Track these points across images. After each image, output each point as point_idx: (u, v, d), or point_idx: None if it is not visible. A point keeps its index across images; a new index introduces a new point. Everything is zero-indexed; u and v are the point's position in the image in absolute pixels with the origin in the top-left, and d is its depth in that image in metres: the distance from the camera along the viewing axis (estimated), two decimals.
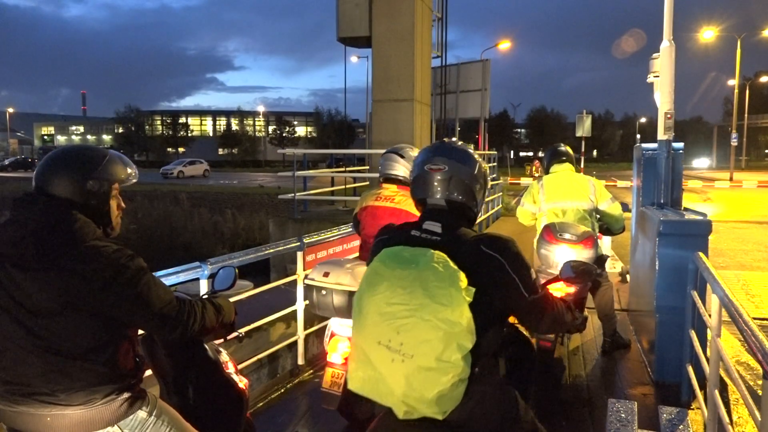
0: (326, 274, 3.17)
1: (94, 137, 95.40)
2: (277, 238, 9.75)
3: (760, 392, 2.07)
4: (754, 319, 2.21)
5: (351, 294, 3.09)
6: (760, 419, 2.02)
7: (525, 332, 2.20)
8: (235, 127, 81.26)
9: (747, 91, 52.78)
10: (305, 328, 4.39)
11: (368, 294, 1.66)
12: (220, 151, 77.07)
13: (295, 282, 4.30)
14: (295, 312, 4.27)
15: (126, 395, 1.72)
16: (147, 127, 77.84)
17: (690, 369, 3.59)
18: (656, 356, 4.05)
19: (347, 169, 15.07)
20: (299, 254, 4.35)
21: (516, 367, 2.10)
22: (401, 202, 3.43)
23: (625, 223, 4.56)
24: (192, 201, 21.59)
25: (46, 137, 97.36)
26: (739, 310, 2.31)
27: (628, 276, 6.47)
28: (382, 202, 3.51)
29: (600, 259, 2.87)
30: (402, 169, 3.57)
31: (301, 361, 4.40)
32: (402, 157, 3.59)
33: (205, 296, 2.11)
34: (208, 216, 18.81)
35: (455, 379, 1.57)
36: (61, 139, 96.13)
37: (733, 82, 44.55)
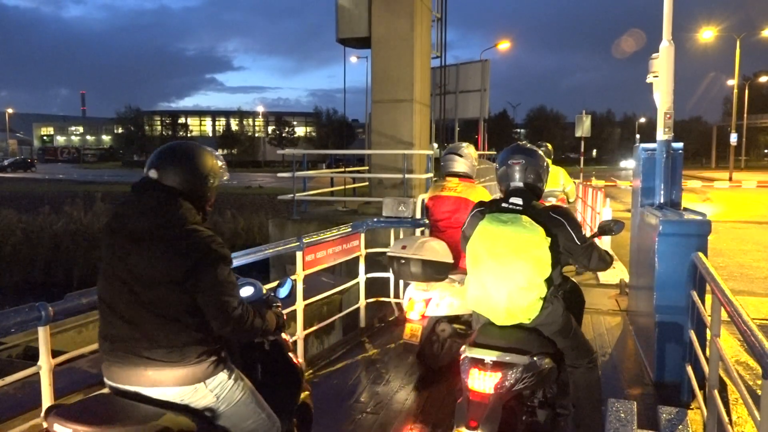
0: (404, 247, 4.03)
1: (93, 137, 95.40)
2: (277, 239, 9.74)
3: (759, 392, 2.07)
4: (754, 319, 2.21)
5: (424, 262, 3.97)
6: (759, 419, 2.02)
7: (575, 281, 3.13)
8: (234, 127, 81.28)
9: (746, 91, 52.79)
10: (305, 328, 4.39)
11: (481, 243, 2.62)
12: (220, 152, 76.64)
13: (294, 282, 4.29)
14: (294, 312, 4.27)
15: (213, 358, 2.01)
16: (147, 127, 77.79)
17: (689, 369, 3.59)
18: (656, 356, 4.05)
19: (347, 169, 15.07)
20: (299, 254, 4.36)
21: (569, 298, 2.90)
22: (462, 192, 4.25)
23: (624, 222, 4.78)
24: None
25: (45, 138, 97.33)
26: (738, 310, 2.31)
27: (627, 289, 6.49)
28: (447, 192, 4.32)
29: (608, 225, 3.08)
30: (461, 165, 4.35)
31: (300, 361, 4.40)
32: (461, 156, 4.36)
33: (266, 297, 2.51)
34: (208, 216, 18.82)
35: (538, 296, 2.57)
36: (60, 139, 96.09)
37: (733, 82, 44.57)
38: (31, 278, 15.20)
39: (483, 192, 4.31)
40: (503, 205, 2.72)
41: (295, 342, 4.39)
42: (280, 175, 12.79)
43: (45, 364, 2.37)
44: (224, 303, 1.95)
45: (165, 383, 1.94)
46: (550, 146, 6.42)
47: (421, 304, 4.05)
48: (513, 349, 2.55)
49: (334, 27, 12.40)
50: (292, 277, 2.95)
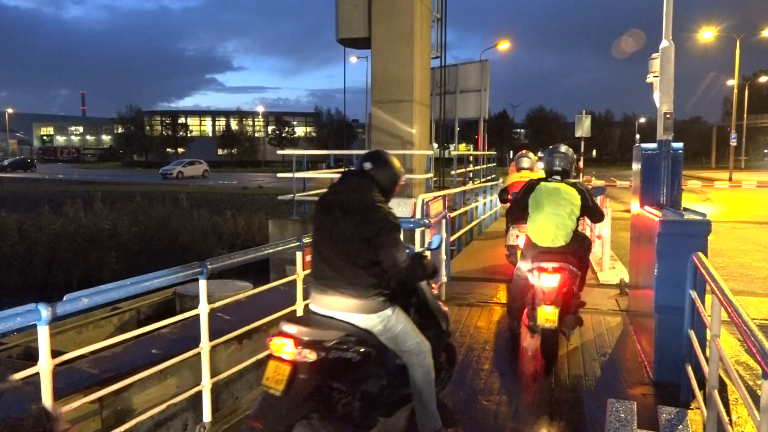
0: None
1: (93, 137, 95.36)
2: (277, 239, 9.74)
3: (759, 392, 2.07)
4: (754, 319, 2.21)
5: None
6: (759, 419, 2.02)
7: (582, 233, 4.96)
8: (234, 127, 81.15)
9: (746, 91, 52.78)
10: None
11: (542, 196, 4.59)
12: (220, 152, 76.95)
13: (294, 282, 4.30)
14: (294, 312, 4.27)
15: (383, 298, 2.90)
16: (146, 127, 77.72)
17: (689, 369, 3.59)
18: (655, 356, 4.06)
19: (347, 169, 15.03)
20: (299, 254, 4.36)
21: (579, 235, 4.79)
22: (526, 176, 6.67)
23: (604, 188, 7.50)
24: (191, 201, 21.57)
25: (45, 138, 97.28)
26: (738, 310, 2.31)
27: (627, 289, 6.49)
28: (521, 178, 6.74)
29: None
30: (528, 162, 7.38)
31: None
32: (528, 158, 7.43)
33: (422, 251, 3.54)
34: (208, 216, 18.79)
35: (572, 228, 4.51)
36: (60, 139, 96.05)
37: (733, 82, 44.58)
38: (30, 278, 15.19)
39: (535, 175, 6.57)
40: (549, 179, 4.72)
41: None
42: (280, 175, 12.77)
43: (45, 364, 2.37)
44: (396, 257, 2.80)
45: (350, 310, 2.86)
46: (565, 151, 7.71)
47: (523, 238, 5.43)
48: (561, 258, 4.40)
49: (334, 27, 12.39)
50: (439, 234, 4.00)
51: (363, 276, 2.82)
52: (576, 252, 4.55)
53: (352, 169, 3.06)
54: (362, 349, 2.83)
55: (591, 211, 4.66)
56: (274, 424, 2.56)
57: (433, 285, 3.63)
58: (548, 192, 4.58)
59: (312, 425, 2.70)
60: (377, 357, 2.91)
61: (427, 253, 3.45)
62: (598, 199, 5.75)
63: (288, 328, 2.71)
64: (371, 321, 2.88)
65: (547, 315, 4.22)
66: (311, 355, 2.65)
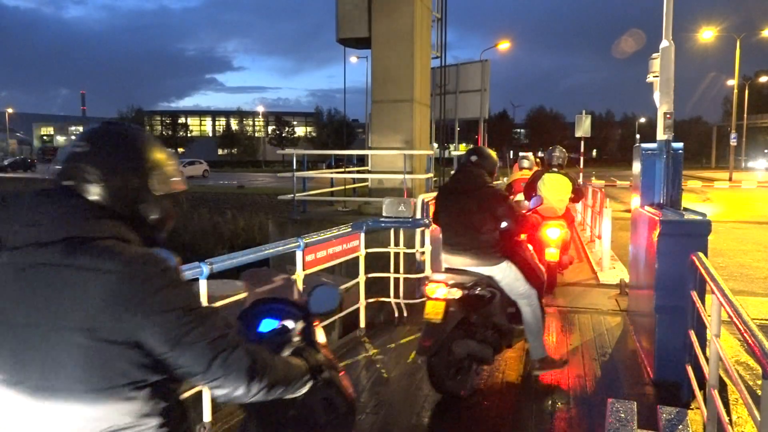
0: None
1: None
2: (277, 239, 9.73)
3: (759, 392, 2.07)
4: (754, 319, 2.21)
5: None
6: (759, 419, 2.02)
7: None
8: (234, 127, 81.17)
9: (746, 91, 52.79)
10: None
11: (549, 181, 6.67)
12: (220, 152, 77.01)
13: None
14: None
15: (499, 254, 3.93)
16: (147, 127, 77.67)
17: (689, 369, 3.59)
18: (656, 356, 4.05)
19: (347, 169, 15.05)
20: (299, 254, 4.36)
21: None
22: (528, 176, 7.27)
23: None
24: (191, 201, 21.57)
25: (45, 138, 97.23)
26: (738, 310, 2.31)
27: (627, 289, 6.49)
28: (522, 176, 7.63)
29: None
30: (527, 163, 8.10)
31: None
32: (528, 159, 8.20)
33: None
34: (208, 216, 18.80)
35: (565, 204, 6.77)
36: (60, 139, 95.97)
37: (733, 82, 44.58)
38: None
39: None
40: (550, 170, 6.71)
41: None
42: (280, 175, 12.80)
43: None
44: (515, 210, 3.98)
45: (476, 265, 3.91)
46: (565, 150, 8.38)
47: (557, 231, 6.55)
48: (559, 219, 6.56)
49: (334, 27, 12.39)
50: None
51: (483, 238, 3.88)
52: (566, 216, 6.78)
53: (467, 161, 4.04)
54: (490, 289, 3.91)
55: (576, 192, 6.76)
56: (438, 343, 3.64)
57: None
58: (551, 180, 6.66)
59: (464, 343, 3.77)
60: (500, 298, 3.95)
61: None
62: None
63: (438, 276, 3.85)
64: (492, 271, 3.91)
65: (552, 256, 6.40)
66: (457, 293, 3.75)
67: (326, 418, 1.75)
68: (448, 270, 3.97)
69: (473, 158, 3.99)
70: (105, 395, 1.17)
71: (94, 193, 1.27)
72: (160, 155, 1.37)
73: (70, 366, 1.14)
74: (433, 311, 3.69)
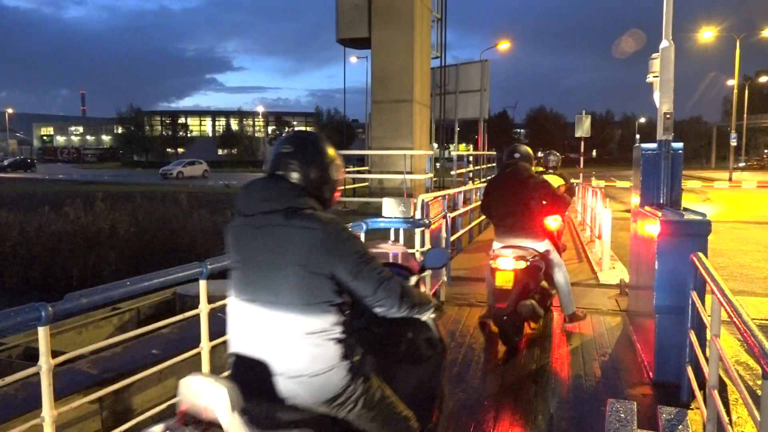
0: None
1: (93, 137, 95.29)
2: None
3: (759, 392, 2.07)
4: (754, 319, 2.21)
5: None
6: (759, 419, 2.01)
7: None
8: (234, 127, 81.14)
9: (746, 91, 52.78)
10: None
11: (550, 180, 5.97)
12: (220, 152, 76.92)
13: None
14: None
15: (544, 232, 5.10)
16: (146, 127, 77.67)
17: (689, 369, 3.59)
18: (656, 356, 4.05)
19: (347, 169, 15.03)
20: None
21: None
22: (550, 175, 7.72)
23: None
24: (191, 201, 21.56)
25: (45, 138, 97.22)
26: (738, 310, 2.31)
27: (627, 289, 6.49)
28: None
29: None
30: (518, 156, 7.58)
31: None
32: (554, 155, 8.27)
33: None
34: (208, 216, 18.77)
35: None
36: (60, 139, 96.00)
37: (733, 82, 44.58)
38: (30, 278, 15.18)
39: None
40: (546, 172, 7.39)
41: None
42: None
43: (45, 365, 2.37)
44: (560, 200, 5.04)
45: (529, 242, 4.88)
46: (558, 153, 8.79)
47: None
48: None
49: (334, 27, 12.40)
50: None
51: (531, 219, 4.88)
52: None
53: (511, 160, 4.99)
54: (541, 261, 4.88)
55: (569, 190, 7.22)
56: (511, 305, 4.56)
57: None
58: (549, 179, 7.00)
59: (526, 305, 4.65)
60: (545, 267, 4.95)
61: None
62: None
63: (504, 251, 4.76)
64: (541, 246, 4.96)
65: (554, 227, 6.80)
66: (522, 264, 4.65)
67: (428, 354, 2.30)
68: (506, 247, 4.86)
69: (516, 155, 4.97)
70: (311, 308, 1.79)
71: (296, 179, 1.91)
72: (334, 153, 2.02)
73: (290, 288, 1.78)
74: (503, 280, 4.64)
